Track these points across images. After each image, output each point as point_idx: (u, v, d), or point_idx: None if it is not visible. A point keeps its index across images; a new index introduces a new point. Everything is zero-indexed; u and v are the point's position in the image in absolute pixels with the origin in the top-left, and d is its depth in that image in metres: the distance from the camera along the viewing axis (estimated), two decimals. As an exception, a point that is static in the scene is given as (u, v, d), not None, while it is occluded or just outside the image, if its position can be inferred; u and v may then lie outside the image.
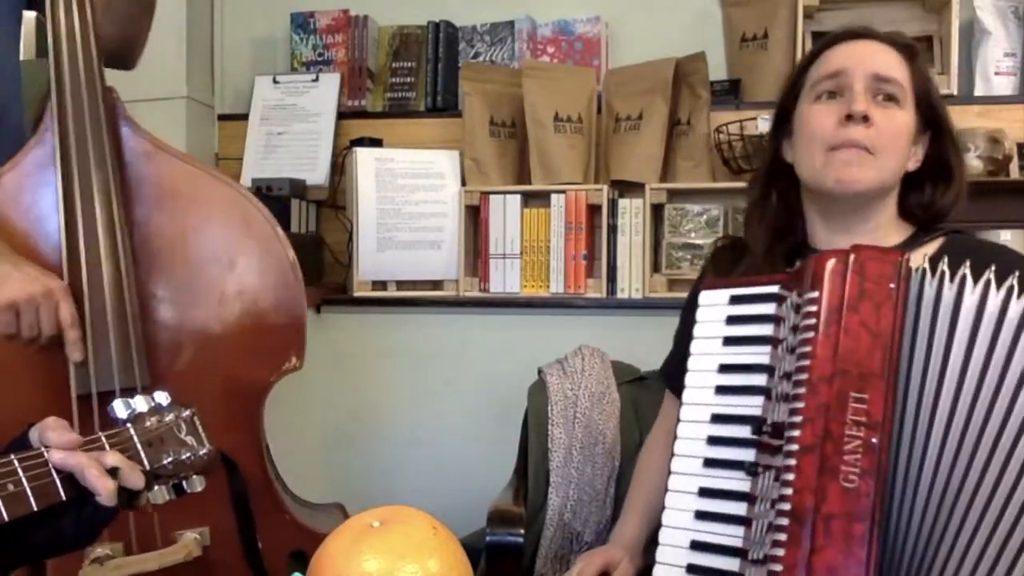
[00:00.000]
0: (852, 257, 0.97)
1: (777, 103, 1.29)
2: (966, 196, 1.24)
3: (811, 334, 0.95)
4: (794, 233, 1.26)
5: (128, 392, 1.23)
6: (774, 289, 1.04)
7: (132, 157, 1.41)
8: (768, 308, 1.04)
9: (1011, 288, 0.92)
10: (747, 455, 0.99)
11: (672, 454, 1.07)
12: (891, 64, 1.18)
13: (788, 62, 2.20)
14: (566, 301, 2.28)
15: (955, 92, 2.15)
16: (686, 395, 1.08)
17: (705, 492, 1.03)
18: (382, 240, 2.31)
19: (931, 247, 1.20)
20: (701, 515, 1.02)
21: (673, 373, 1.34)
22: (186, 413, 0.96)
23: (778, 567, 0.90)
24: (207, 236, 1.42)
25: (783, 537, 0.91)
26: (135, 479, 0.89)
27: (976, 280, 0.93)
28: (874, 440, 0.91)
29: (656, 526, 1.30)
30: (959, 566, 0.90)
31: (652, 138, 2.23)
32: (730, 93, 2.29)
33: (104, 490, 0.85)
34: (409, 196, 2.32)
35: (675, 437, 1.07)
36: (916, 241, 1.21)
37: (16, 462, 0.83)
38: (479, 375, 2.37)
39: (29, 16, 1.39)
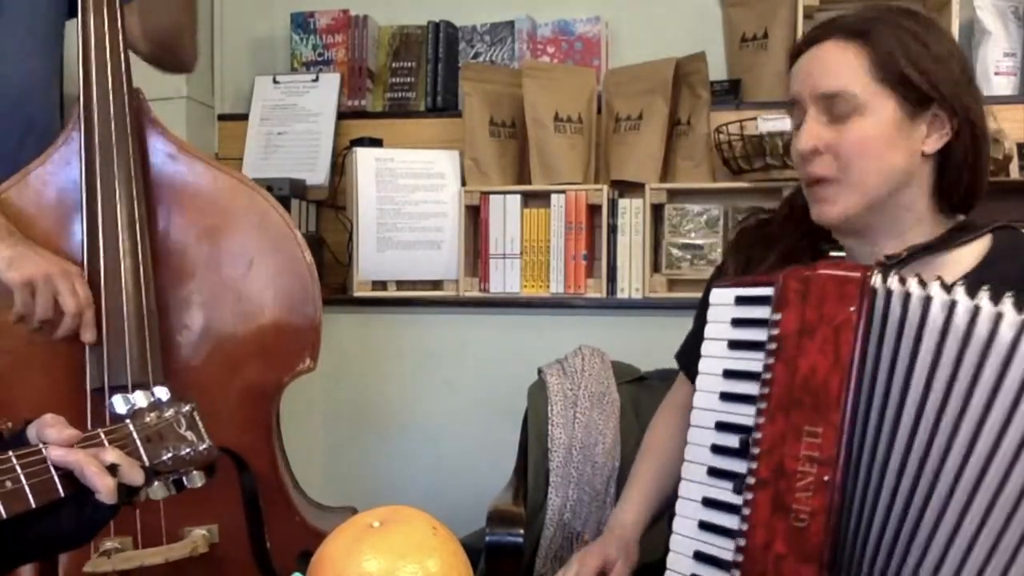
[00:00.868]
0: (811, 278, 0.93)
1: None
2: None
3: (771, 360, 0.93)
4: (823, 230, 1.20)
5: (142, 388, 1.24)
6: (772, 292, 0.98)
7: (157, 158, 1.44)
8: (767, 312, 0.98)
9: (977, 306, 0.87)
10: (743, 467, 0.96)
11: (683, 460, 1.04)
12: (838, 69, 1.09)
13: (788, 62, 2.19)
14: (566, 301, 2.28)
15: (955, 92, 2.15)
16: (696, 399, 1.05)
17: (708, 503, 1.00)
18: (382, 240, 2.31)
19: (978, 246, 1.10)
20: (704, 526, 1.00)
21: (688, 359, 1.30)
22: (186, 408, 0.96)
23: None
24: (227, 237, 1.45)
25: (738, 574, 0.92)
26: (134, 475, 0.88)
27: (946, 295, 0.88)
28: (826, 478, 0.89)
29: (658, 509, 1.27)
30: None
31: (652, 138, 2.23)
32: (730, 93, 2.29)
33: (103, 487, 0.85)
34: (409, 196, 2.32)
35: (687, 442, 1.05)
36: (954, 239, 1.10)
37: (14, 459, 0.82)
38: (479, 375, 2.36)
39: None
